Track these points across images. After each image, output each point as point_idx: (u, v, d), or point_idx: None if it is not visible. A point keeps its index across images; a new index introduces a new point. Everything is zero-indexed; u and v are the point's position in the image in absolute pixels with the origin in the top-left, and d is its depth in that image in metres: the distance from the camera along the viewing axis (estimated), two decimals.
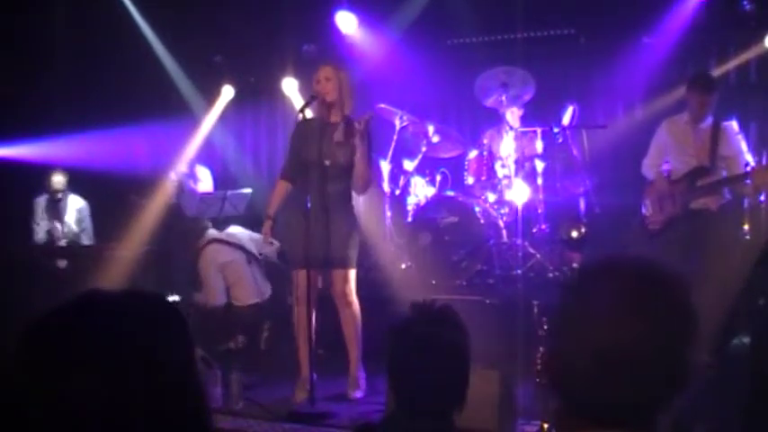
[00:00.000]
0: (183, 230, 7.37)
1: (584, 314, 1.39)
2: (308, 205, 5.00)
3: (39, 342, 1.11)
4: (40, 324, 1.12)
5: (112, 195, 8.23)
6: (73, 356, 1.08)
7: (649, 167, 6.20)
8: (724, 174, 5.85)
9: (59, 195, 7.82)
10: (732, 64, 7.64)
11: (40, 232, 7.82)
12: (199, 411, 1.17)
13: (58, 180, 7.81)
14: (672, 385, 1.37)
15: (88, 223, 8.01)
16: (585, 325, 1.38)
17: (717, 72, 7.33)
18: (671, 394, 1.37)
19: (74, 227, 7.85)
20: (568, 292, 1.47)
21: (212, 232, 7.04)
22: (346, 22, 8.48)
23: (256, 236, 6.87)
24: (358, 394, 5.29)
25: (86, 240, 7.94)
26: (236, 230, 7.15)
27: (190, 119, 9.43)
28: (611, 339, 1.34)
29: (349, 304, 5.30)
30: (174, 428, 1.12)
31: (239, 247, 6.99)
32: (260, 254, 7.02)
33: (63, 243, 7.74)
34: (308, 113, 5.33)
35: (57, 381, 1.06)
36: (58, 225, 7.78)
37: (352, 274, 5.33)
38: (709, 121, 5.92)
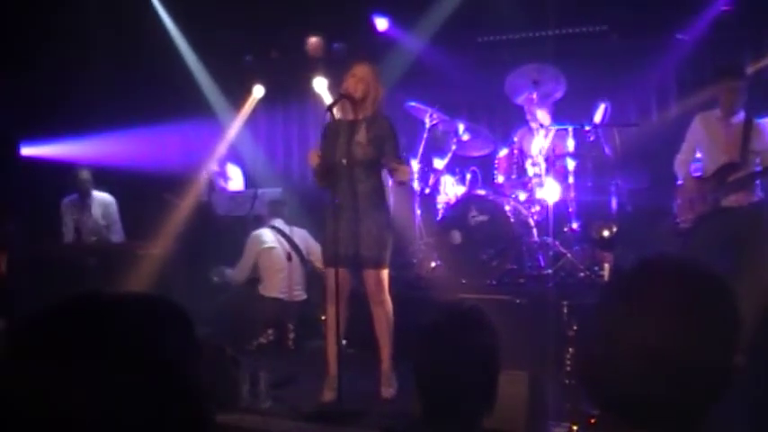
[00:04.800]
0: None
1: (629, 314, 1.36)
2: (337, 204, 5.00)
3: (35, 341, 1.10)
4: (38, 322, 1.12)
5: (144, 194, 8.30)
6: (68, 356, 1.07)
7: (681, 163, 6.13)
8: (756, 168, 5.76)
9: (86, 192, 7.89)
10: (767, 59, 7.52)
11: (68, 231, 7.88)
12: (199, 416, 1.16)
13: (85, 177, 7.86)
14: (714, 387, 1.35)
15: (116, 218, 8.04)
16: (630, 325, 1.35)
17: (751, 68, 7.21)
18: (714, 396, 1.35)
19: (100, 220, 7.91)
20: (611, 293, 1.45)
21: (277, 221, 7.29)
22: (378, 21, 8.52)
23: (312, 241, 6.96)
24: (390, 392, 5.27)
25: (114, 235, 7.97)
26: (299, 230, 7.29)
27: (221, 118, 9.50)
28: (657, 339, 1.32)
29: (381, 303, 5.28)
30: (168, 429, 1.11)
31: (287, 238, 7.07)
32: (308, 258, 7.08)
33: (91, 239, 7.79)
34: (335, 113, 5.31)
35: (51, 382, 1.05)
36: (85, 220, 7.84)
37: (385, 273, 5.31)
38: (741, 116, 5.83)
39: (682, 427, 1.35)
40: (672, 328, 1.32)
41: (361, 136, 5.21)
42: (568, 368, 4.32)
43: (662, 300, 1.35)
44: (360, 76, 5.23)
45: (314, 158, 5.13)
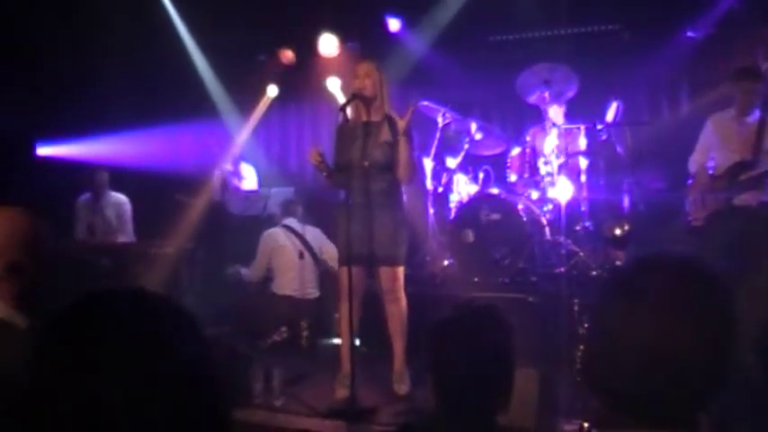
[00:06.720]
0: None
1: (628, 312, 1.37)
2: (350, 204, 5.02)
3: (49, 341, 1.12)
4: (62, 321, 1.14)
5: (158, 193, 8.34)
6: (83, 356, 1.09)
7: (695, 163, 6.12)
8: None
9: (100, 193, 7.95)
10: None
11: (82, 231, 7.93)
12: (214, 412, 1.18)
13: (102, 178, 7.94)
14: (714, 384, 1.36)
15: (128, 219, 8.07)
16: (630, 323, 1.37)
17: (765, 66, 7.19)
18: (713, 393, 1.36)
19: (113, 221, 7.96)
20: (611, 291, 1.46)
21: (290, 220, 7.29)
22: (391, 22, 8.55)
23: (325, 240, 7.00)
24: (404, 389, 5.29)
25: (123, 236, 8.00)
26: (312, 228, 7.29)
27: (234, 117, 9.55)
28: (656, 337, 1.33)
29: (396, 301, 5.30)
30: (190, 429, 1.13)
31: (300, 237, 7.10)
32: (321, 257, 7.11)
33: (103, 239, 7.84)
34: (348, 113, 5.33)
35: (67, 381, 1.07)
36: (98, 220, 7.89)
37: (401, 270, 5.34)
38: (756, 115, 5.82)
39: (681, 424, 1.36)
40: (670, 327, 1.34)
41: (380, 138, 5.23)
42: (579, 366, 4.33)
43: (660, 298, 1.37)
44: (363, 72, 5.25)
45: (314, 156, 5.12)
